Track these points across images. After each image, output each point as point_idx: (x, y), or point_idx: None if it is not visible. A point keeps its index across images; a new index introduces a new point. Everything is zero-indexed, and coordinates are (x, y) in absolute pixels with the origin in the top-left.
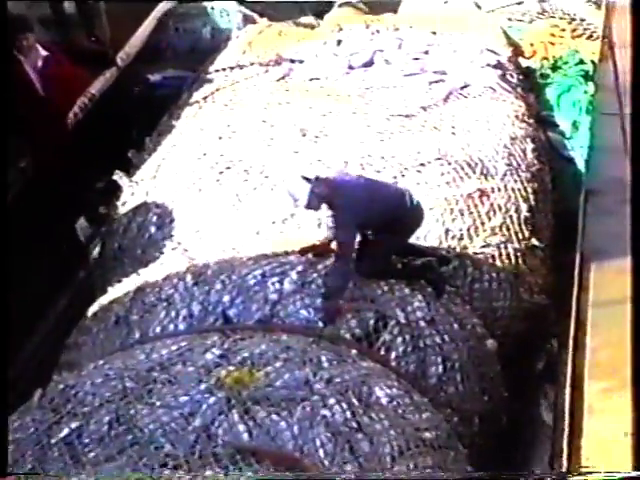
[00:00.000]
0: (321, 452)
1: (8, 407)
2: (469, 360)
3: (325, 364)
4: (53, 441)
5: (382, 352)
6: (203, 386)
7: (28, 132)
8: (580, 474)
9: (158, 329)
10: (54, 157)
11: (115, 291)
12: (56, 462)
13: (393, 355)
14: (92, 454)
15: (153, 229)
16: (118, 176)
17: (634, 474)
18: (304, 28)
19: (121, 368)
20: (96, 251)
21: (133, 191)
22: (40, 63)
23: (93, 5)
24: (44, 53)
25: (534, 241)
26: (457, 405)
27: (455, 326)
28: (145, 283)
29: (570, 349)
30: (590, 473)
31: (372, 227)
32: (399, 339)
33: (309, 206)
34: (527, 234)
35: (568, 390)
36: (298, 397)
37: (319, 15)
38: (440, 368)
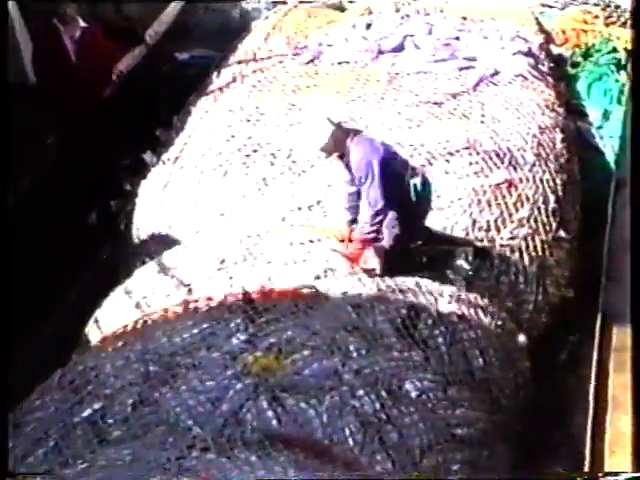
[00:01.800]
0: (350, 441)
1: (8, 407)
2: (503, 355)
3: (354, 354)
4: (76, 420)
5: (419, 344)
6: (229, 372)
7: (58, 104)
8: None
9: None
10: (83, 132)
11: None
12: (80, 439)
13: (430, 348)
14: (117, 433)
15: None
16: (147, 155)
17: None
18: (333, 10)
19: (142, 351)
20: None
21: (160, 170)
22: (78, 33)
23: None
24: (83, 24)
25: (561, 233)
26: (495, 402)
27: (486, 320)
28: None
29: (596, 341)
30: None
31: (384, 197)
32: (435, 331)
33: (323, 149)
34: (554, 226)
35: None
36: (327, 386)
37: None
38: (480, 362)
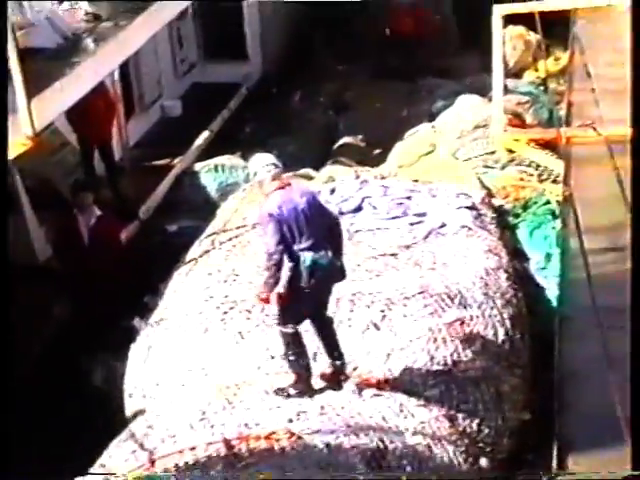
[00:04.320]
0: None
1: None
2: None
3: None
4: None
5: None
6: None
7: (68, 281)
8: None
9: None
10: (88, 303)
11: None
12: None
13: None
14: None
15: None
16: (136, 321)
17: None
18: (301, 178)
19: None
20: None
21: (147, 332)
22: (93, 221)
23: (120, 169)
24: (99, 213)
25: (513, 362)
26: None
27: (450, 448)
28: None
29: (554, 466)
30: None
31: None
32: (403, 461)
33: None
34: (506, 356)
35: None
36: None
37: (316, 168)
38: None
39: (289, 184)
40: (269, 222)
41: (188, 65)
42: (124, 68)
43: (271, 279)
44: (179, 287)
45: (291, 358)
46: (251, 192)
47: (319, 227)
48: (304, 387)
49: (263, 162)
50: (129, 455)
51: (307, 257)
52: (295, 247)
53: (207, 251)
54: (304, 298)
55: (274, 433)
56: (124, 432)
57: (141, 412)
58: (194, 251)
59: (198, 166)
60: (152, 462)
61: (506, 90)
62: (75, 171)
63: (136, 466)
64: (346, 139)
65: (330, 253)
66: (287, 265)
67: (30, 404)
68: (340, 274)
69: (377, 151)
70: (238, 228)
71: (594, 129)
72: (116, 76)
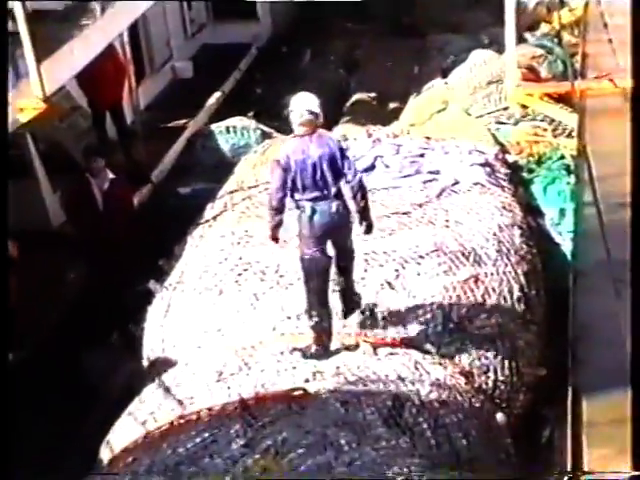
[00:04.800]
0: None
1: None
2: (485, 435)
3: (345, 447)
4: None
5: (405, 432)
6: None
7: (83, 246)
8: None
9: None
10: (103, 266)
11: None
12: None
13: (416, 434)
14: None
15: None
16: (151, 283)
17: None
18: None
19: (150, 464)
20: None
21: (163, 295)
22: (107, 185)
23: (132, 132)
24: (111, 176)
25: (528, 318)
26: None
27: (465, 405)
28: None
29: (569, 418)
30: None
31: None
32: (420, 418)
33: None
34: (521, 312)
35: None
36: None
37: (328, 127)
38: (464, 442)
39: (313, 133)
40: (275, 168)
41: (198, 26)
42: (133, 30)
43: (271, 222)
44: (193, 250)
45: (315, 319)
46: (262, 153)
47: (328, 182)
48: (322, 349)
49: (301, 104)
50: (140, 427)
51: (307, 206)
52: (297, 196)
53: (220, 213)
54: (314, 243)
55: (291, 392)
56: (144, 392)
57: (159, 373)
58: (207, 213)
59: (210, 128)
60: (171, 423)
61: (520, 42)
62: (87, 135)
63: (156, 425)
64: (358, 97)
65: (335, 205)
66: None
67: (44, 373)
68: (347, 222)
69: (389, 108)
70: (250, 189)
71: (611, 80)
72: (125, 38)
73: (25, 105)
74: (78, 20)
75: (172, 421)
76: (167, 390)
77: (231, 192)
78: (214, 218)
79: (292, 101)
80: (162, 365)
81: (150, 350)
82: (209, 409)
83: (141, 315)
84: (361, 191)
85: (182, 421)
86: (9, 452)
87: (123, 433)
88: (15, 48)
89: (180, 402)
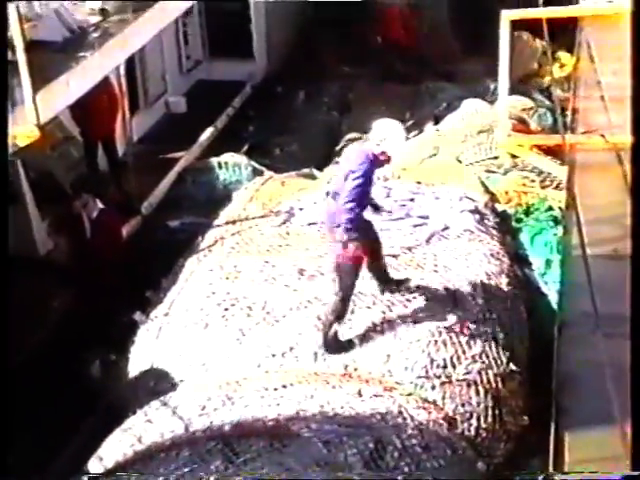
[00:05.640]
0: None
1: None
2: None
3: None
4: None
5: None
6: None
7: (69, 274)
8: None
9: None
10: (88, 295)
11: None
12: None
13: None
14: None
15: None
16: (137, 315)
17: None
18: (305, 179)
19: None
20: None
21: (148, 327)
22: (95, 214)
23: (123, 164)
24: (101, 206)
25: (512, 366)
26: None
27: (448, 451)
28: None
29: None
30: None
31: None
32: (401, 462)
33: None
34: (505, 360)
35: None
36: None
37: (319, 168)
38: None
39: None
40: None
41: (193, 62)
42: (129, 63)
43: None
44: (181, 283)
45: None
46: (254, 190)
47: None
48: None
49: (381, 132)
50: (128, 449)
51: None
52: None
53: (209, 247)
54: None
55: (273, 430)
56: (123, 425)
57: (141, 405)
58: (196, 247)
59: (201, 163)
60: (150, 455)
61: (511, 94)
62: (78, 165)
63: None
64: (349, 137)
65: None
66: None
67: (27, 396)
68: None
69: None
70: (240, 224)
71: (602, 136)
72: (122, 71)
73: (18, 133)
74: (76, 52)
75: (151, 454)
76: (149, 422)
77: (220, 227)
78: (203, 252)
79: (374, 126)
80: (147, 395)
81: (135, 379)
82: (189, 443)
83: (125, 345)
84: None
85: (162, 455)
86: None
87: (113, 450)
88: (12, 77)
89: (161, 434)
